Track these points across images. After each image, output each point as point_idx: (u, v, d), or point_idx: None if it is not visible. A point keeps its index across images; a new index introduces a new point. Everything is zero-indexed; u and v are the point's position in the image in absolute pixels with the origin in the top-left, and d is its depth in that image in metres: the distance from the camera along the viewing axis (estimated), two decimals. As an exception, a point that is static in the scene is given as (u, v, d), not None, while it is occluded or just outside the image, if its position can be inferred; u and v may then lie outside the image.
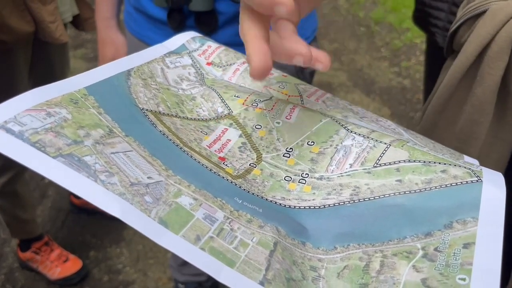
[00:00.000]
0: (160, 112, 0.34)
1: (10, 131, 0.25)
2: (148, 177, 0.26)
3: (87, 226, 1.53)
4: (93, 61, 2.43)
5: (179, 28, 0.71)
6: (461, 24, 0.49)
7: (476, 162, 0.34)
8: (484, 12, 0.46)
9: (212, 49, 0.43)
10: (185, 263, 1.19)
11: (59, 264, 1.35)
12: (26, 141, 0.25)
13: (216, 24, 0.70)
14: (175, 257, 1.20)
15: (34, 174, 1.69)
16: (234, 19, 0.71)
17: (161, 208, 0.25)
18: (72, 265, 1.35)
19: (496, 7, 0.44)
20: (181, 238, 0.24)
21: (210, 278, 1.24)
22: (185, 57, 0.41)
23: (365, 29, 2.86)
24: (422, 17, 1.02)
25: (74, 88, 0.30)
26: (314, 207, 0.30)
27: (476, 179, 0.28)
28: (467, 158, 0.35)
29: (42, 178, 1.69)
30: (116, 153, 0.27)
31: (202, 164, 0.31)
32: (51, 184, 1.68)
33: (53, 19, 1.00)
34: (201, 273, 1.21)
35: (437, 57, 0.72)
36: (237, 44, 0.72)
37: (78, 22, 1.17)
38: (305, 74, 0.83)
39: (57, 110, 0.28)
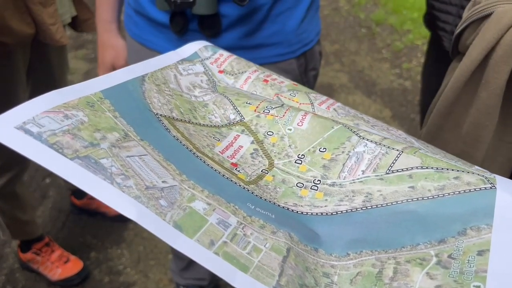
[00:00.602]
0: (173, 118, 0.34)
1: (29, 132, 0.25)
2: (163, 181, 0.27)
3: (87, 227, 1.53)
4: (94, 62, 2.43)
5: (182, 32, 0.70)
6: (466, 26, 0.49)
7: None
8: (489, 14, 0.45)
9: (224, 57, 0.43)
10: (186, 268, 1.19)
11: (60, 265, 1.34)
12: (44, 142, 0.25)
13: (220, 28, 0.70)
14: (176, 261, 1.20)
15: (34, 175, 1.69)
16: (238, 22, 0.70)
17: (175, 212, 0.25)
18: (73, 266, 1.35)
19: (501, 10, 0.44)
20: (195, 243, 0.24)
21: (211, 282, 1.23)
22: (198, 64, 0.42)
23: (366, 31, 2.86)
24: (431, 20, 1.03)
25: (90, 91, 0.31)
26: (327, 213, 0.30)
27: (490, 186, 0.28)
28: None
29: (43, 179, 1.69)
30: (131, 157, 0.27)
31: (215, 170, 0.31)
32: (52, 185, 1.68)
33: (53, 21, 1.00)
34: (202, 278, 1.21)
35: (441, 60, 0.71)
36: (240, 48, 0.72)
37: (76, 24, 1.17)
38: (308, 77, 0.83)
39: (74, 112, 0.28)
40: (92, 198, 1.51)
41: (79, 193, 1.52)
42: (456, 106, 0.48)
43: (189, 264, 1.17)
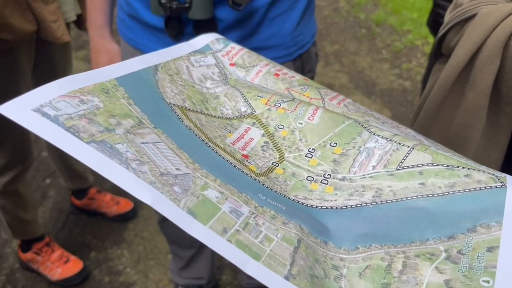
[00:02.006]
0: (186, 108, 0.35)
1: (46, 114, 0.25)
2: (177, 169, 0.27)
3: (87, 227, 1.54)
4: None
5: (178, 36, 0.70)
6: (450, 28, 0.49)
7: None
8: (472, 16, 0.46)
9: (235, 50, 0.44)
10: (185, 267, 1.19)
11: (60, 265, 1.35)
12: (61, 125, 0.25)
13: (216, 32, 0.70)
14: (175, 260, 1.20)
15: (34, 175, 1.69)
16: (234, 26, 0.70)
17: (189, 199, 0.25)
18: (73, 266, 1.36)
19: (485, 11, 0.44)
20: (209, 229, 0.24)
21: (210, 281, 1.24)
22: (209, 56, 0.42)
23: (366, 31, 2.86)
24: (436, 26, 1.03)
25: (105, 78, 0.31)
26: (336, 207, 0.31)
27: (500, 184, 0.28)
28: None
29: (43, 179, 1.70)
30: (146, 143, 0.27)
31: (227, 160, 0.31)
32: (52, 185, 1.68)
33: (55, 19, 1.01)
34: (201, 277, 1.21)
35: None
36: None
37: (81, 22, 1.18)
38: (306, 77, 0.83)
39: (90, 98, 0.28)
40: (92, 198, 1.52)
41: (79, 193, 1.53)
42: (443, 107, 0.48)
43: (188, 263, 1.18)
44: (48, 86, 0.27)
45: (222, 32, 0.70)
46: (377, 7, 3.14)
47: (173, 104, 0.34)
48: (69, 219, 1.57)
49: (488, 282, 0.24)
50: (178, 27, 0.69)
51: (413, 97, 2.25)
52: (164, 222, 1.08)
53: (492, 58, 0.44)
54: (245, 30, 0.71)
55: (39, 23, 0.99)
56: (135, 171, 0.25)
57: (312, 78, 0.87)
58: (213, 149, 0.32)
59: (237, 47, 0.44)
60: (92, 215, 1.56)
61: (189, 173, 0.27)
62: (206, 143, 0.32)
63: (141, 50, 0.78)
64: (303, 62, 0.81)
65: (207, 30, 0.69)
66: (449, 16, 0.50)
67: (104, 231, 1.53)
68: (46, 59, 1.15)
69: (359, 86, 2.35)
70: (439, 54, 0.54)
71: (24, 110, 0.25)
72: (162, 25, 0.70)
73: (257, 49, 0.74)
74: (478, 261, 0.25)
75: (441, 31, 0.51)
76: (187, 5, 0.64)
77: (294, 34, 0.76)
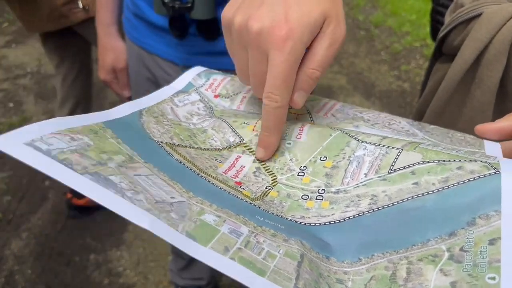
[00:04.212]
0: (174, 144, 0.35)
1: (38, 148, 0.26)
2: (172, 197, 0.27)
3: (87, 230, 1.53)
4: (93, 64, 2.43)
5: (182, 36, 0.71)
6: (452, 28, 0.49)
7: (498, 146, 0.34)
8: (477, 16, 0.46)
9: (217, 81, 0.44)
10: (185, 267, 1.19)
11: None
12: (54, 158, 0.25)
13: (218, 32, 0.70)
14: (175, 260, 1.20)
15: (34, 177, 1.69)
16: None
17: (187, 224, 0.25)
18: None
19: (491, 11, 0.45)
20: (210, 250, 0.24)
21: (209, 282, 1.23)
22: (193, 94, 0.42)
23: (364, 33, 2.87)
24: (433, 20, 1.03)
25: (90, 122, 0.32)
26: (334, 221, 0.31)
27: (494, 171, 0.28)
28: (488, 143, 0.35)
29: (42, 180, 1.70)
30: (139, 175, 0.28)
31: (221, 188, 0.32)
32: (51, 187, 1.68)
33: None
34: (200, 277, 1.21)
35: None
36: None
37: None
38: None
39: (80, 136, 0.29)
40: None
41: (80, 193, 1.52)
42: (449, 106, 0.48)
43: (189, 263, 1.17)
44: (36, 124, 0.28)
45: None
46: (376, 9, 3.15)
47: (161, 142, 0.34)
48: (68, 221, 1.57)
49: (494, 278, 0.23)
50: (182, 27, 0.69)
51: (412, 98, 2.26)
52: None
53: (499, 57, 0.44)
54: None
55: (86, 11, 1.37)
56: (130, 200, 0.25)
57: None
58: (205, 179, 0.32)
59: (219, 77, 0.44)
60: (91, 217, 1.55)
61: (184, 201, 0.27)
62: (198, 174, 0.32)
63: (147, 49, 0.79)
64: None
65: (210, 30, 0.69)
66: (451, 17, 0.50)
67: (104, 233, 1.52)
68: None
69: (358, 88, 2.35)
70: (439, 54, 0.54)
71: (16, 143, 0.25)
72: (166, 25, 0.71)
73: (258, 50, 0.74)
74: (482, 257, 0.24)
75: (442, 32, 0.51)
76: (189, 5, 0.65)
77: None
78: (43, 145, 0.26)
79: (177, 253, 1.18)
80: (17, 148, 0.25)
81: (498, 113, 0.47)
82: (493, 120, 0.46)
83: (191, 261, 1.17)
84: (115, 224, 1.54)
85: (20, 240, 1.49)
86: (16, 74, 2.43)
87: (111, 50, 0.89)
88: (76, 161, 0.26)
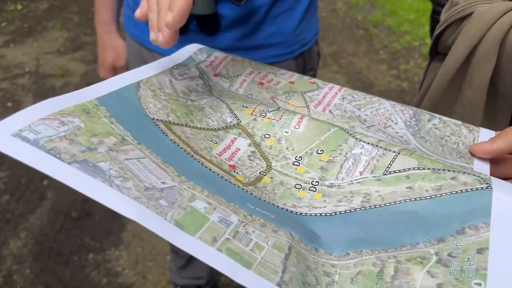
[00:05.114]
0: (170, 122, 0.35)
1: (25, 139, 0.25)
2: (162, 182, 0.27)
3: (85, 229, 1.53)
4: (92, 64, 2.43)
5: (182, 31, 0.70)
6: (446, 27, 0.50)
7: (487, 166, 0.34)
8: (469, 15, 0.47)
9: (219, 60, 0.44)
10: (184, 267, 1.19)
11: None
12: (42, 148, 0.25)
13: (219, 28, 0.70)
14: (174, 260, 1.20)
15: (32, 177, 1.68)
16: (236, 23, 0.70)
17: (176, 211, 0.25)
18: None
19: (482, 10, 0.45)
20: (197, 240, 0.24)
21: (209, 281, 1.23)
22: (193, 68, 0.42)
23: (363, 32, 2.87)
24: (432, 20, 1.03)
25: (85, 99, 0.31)
26: (325, 214, 0.31)
27: (486, 185, 0.29)
28: (483, 133, 0.36)
29: (41, 180, 1.69)
30: (129, 159, 0.27)
31: (214, 172, 0.31)
32: (50, 186, 1.68)
33: None
34: (200, 276, 1.21)
35: None
36: (239, 49, 0.72)
37: None
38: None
39: (70, 119, 0.28)
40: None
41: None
42: (441, 105, 0.49)
43: (188, 262, 1.17)
44: (27, 110, 0.28)
45: (225, 29, 0.70)
46: (375, 8, 3.15)
47: (157, 119, 0.34)
48: (66, 220, 1.56)
49: (480, 284, 0.24)
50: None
51: (411, 98, 2.26)
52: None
53: (489, 56, 0.44)
54: (247, 27, 0.71)
55: None
56: (119, 188, 0.25)
57: (313, 76, 0.87)
58: (199, 161, 0.32)
59: (220, 56, 0.44)
60: (90, 216, 1.55)
61: (175, 186, 0.27)
62: (192, 156, 0.32)
63: (147, 46, 0.79)
64: (304, 60, 0.81)
65: (210, 26, 0.69)
66: (446, 15, 0.50)
67: (102, 233, 1.52)
68: None
69: (356, 87, 2.35)
70: (435, 52, 0.54)
71: (3, 136, 0.25)
72: None
73: (259, 47, 0.74)
74: (469, 264, 0.25)
75: (438, 30, 0.51)
76: None
77: (296, 32, 0.76)
78: (31, 134, 0.26)
79: (176, 251, 1.18)
80: (3, 141, 0.25)
81: (489, 112, 0.47)
82: (484, 119, 0.46)
83: (190, 260, 1.17)
84: (113, 223, 1.54)
85: (19, 240, 1.49)
86: (14, 73, 2.42)
87: (111, 48, 0.89)
88: (65, 149, 0.25)
